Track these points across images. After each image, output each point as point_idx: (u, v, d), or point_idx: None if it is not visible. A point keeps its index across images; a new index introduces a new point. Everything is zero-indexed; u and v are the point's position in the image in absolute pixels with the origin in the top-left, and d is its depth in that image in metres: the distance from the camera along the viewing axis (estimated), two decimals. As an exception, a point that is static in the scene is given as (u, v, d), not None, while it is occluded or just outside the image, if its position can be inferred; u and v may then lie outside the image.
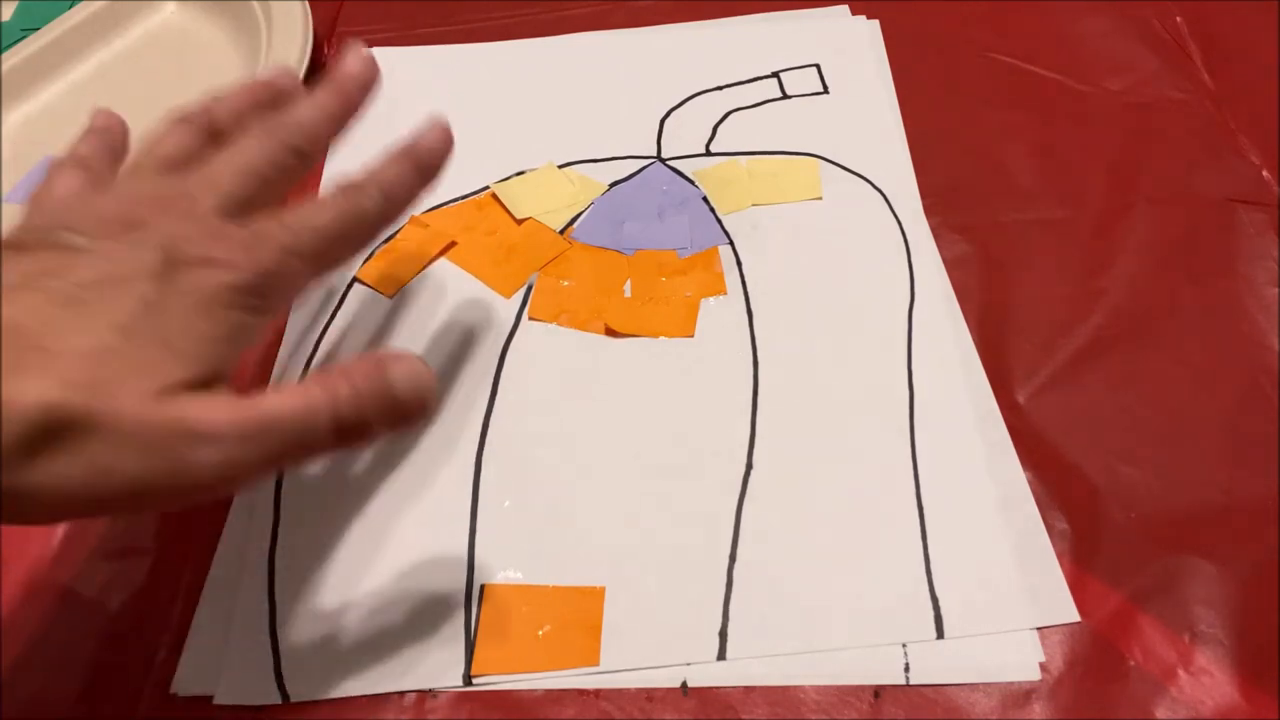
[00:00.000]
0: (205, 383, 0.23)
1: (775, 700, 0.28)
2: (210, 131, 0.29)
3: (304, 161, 0.29)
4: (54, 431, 0.21)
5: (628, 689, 0.29)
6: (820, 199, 0.41)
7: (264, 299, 0.25)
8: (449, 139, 0.31)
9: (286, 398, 0.24)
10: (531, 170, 0.43)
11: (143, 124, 0.46)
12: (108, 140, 0.30)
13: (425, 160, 0.30)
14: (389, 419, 0.25)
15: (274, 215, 0.26)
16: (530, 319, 0.38)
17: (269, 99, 0.31)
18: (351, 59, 0.32)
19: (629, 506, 0.32)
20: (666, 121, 0.45)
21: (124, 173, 0.28)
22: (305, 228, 0.26)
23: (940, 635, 0.29)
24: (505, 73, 0.48)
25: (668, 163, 0.43)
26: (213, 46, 0.50)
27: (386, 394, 0.25)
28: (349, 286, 0.39)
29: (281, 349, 0.38)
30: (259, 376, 0.37)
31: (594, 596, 0.30)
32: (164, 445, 0.22)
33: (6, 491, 0.21)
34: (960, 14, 0.48)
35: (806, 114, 0.44)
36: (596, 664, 0.29)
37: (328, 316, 0.38)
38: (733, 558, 0.31)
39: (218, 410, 0.23)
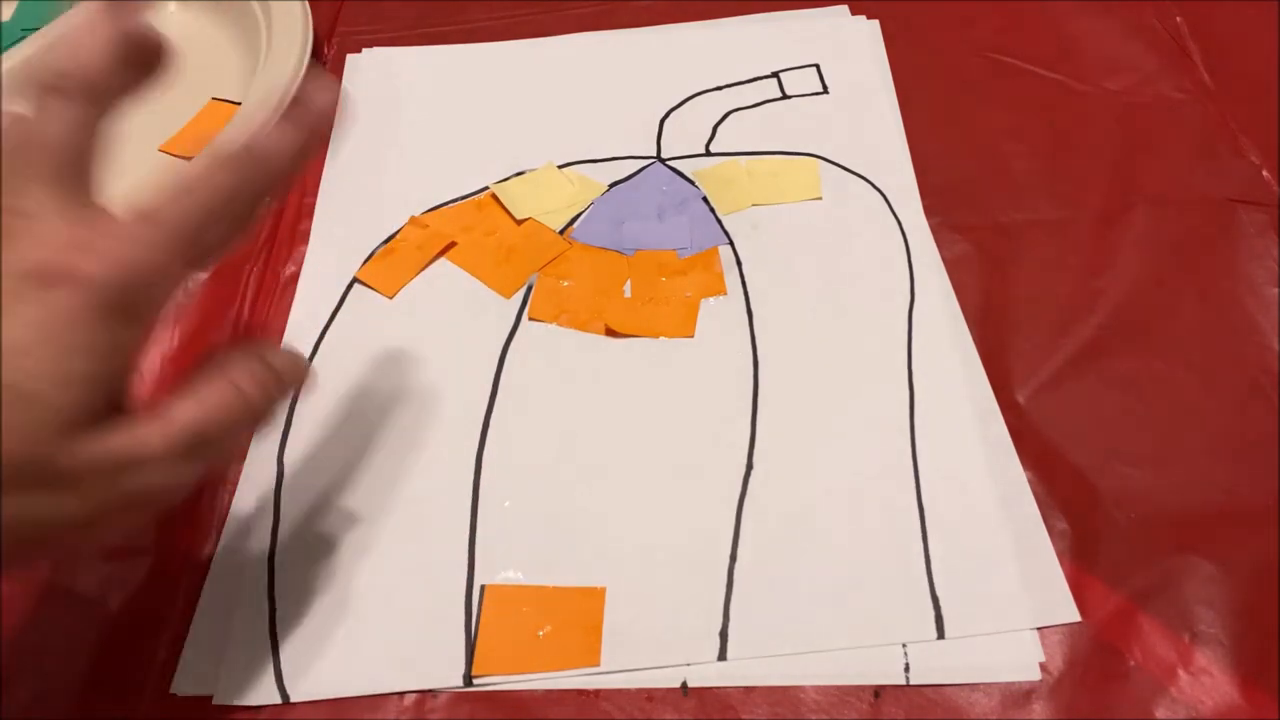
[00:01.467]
0: (111, 403, 0.22)
1: (775, 700, 0.28)
2: None
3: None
4: None
5: (628, 689, 0.29)
6: (820, 199, 0.41)
7: (133, 305, 0.22)
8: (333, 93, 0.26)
9: (205, 401, 0.23)
10: (531, 170, 0.43)
11: (142, 123, 0.46)
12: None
13: (307, 122, 0.26)
14: (283, 390, 0.26)
15: (137, 209, 0.23)
16: (530, 319, 0.38)
17: None
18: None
19: (629, 506, 0.32)
20: (666, 121, 0.45)
21: None
22: (171, 213, 0.23)
23: (940, 635, 0.29)
24: (505, 73, 0.48)
25: (668, 163, 0.43)
26: (213, 46, 0.50)
27: (272, 373, 0.25)
28: (349, 287, 0.39)
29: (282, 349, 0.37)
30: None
31: (594, 597, 0.30)
32: (104, 483, 0.22)
33: None
34: (960, 14, 0.48)
35: (806, 114, 0.44)
36: (597, 664, 0.29)
37: (328, 317, 0.38)
38: (733, 558, 0.31)
39: (147, 435, 0.22)
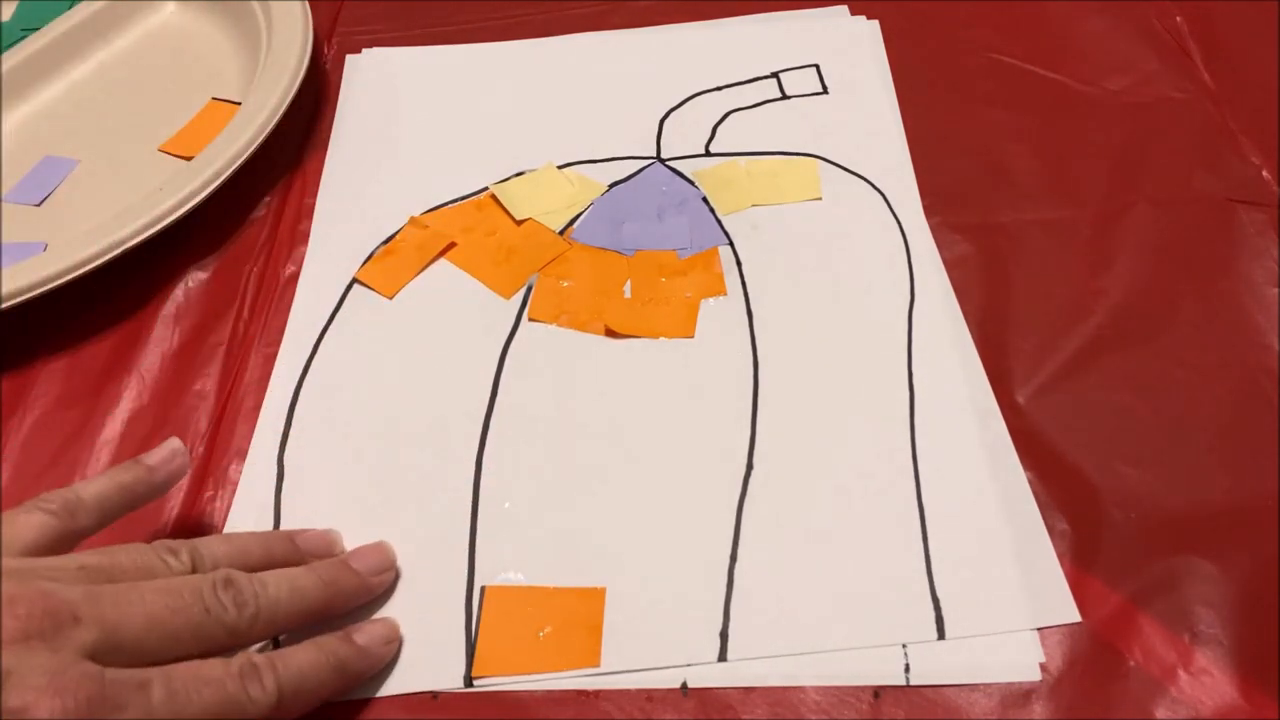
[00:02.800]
0: None
1: (775, 700, 0.28)
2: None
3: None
4: None
5: (628, 690, 0.29)
6: (820, 199, 0.41)
7: None
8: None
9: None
10: (531, 171, 0.43)
11: (142, 123, 0.47)
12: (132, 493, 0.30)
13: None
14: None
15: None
16: (530, 320, 0.38)
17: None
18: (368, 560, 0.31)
19: (629, 506, 0.32)
20: (666, 122, 0.45)
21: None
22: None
23: (941, 635, 0.29)
24: (505, 73, 0.48)
25: (667, 163, 0.43)
26: (213, 46, 0.50)
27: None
28: (349, 287, 0.39)
29: (282, 349, 0.38)
30: (262, 375, 0.37)
31: (594, 597, 0.30)
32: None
33: None
34: (960, 14, 0.48)
35: (806, 114, 0.44)
36: (597, 665, 0.29)
37: (327, 317, 0.38)
38: (733, 558, 0.31)
39: None
